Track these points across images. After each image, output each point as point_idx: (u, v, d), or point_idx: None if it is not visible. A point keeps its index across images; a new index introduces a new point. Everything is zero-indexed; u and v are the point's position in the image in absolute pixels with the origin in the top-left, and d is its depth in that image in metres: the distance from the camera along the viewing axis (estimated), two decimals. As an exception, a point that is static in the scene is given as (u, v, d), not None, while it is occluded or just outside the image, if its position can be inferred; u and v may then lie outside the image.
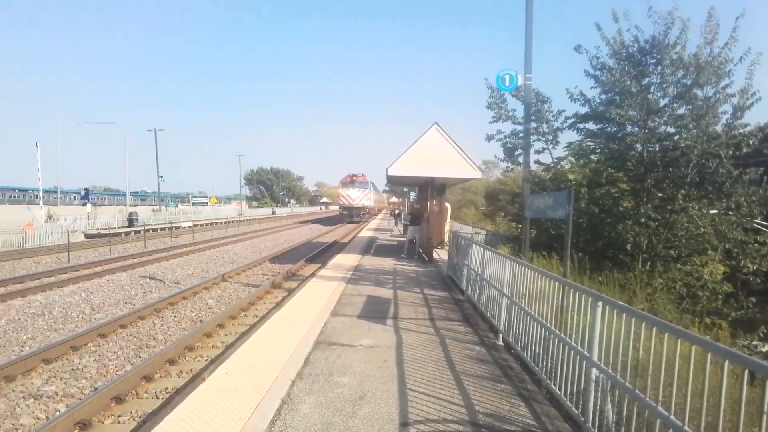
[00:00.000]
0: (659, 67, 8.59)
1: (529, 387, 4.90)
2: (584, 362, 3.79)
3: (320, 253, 20.65)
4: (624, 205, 9.44)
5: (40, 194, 32.31)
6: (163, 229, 36.08)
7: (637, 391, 3.04)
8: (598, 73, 9.14)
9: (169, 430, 3.82)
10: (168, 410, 4.28)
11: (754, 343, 7.78)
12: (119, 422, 5.18)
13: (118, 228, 32.96)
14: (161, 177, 50.66)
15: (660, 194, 8.83)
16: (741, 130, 7.94)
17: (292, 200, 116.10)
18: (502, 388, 4.81)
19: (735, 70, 7.93)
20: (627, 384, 3.15)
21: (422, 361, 5.58)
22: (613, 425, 3.39)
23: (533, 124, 10.23)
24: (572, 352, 4.06)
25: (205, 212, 55.10)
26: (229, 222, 48.21)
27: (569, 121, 10.15)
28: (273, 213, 74.57)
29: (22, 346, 7.97)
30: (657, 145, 8.93)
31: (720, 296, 8.51)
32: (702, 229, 8.62)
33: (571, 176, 10.77)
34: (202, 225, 41.88)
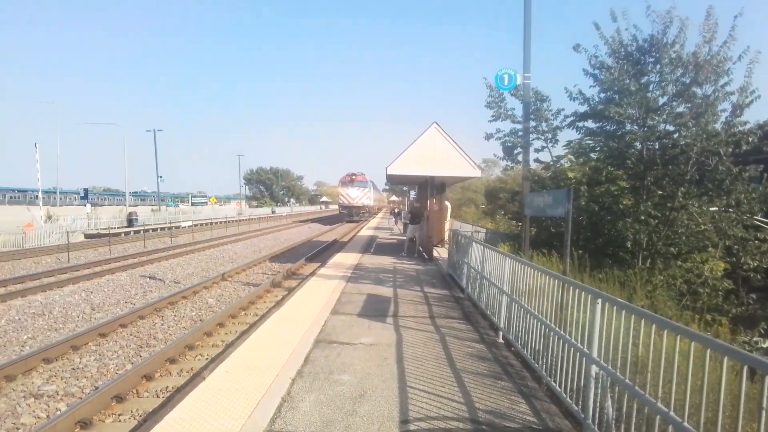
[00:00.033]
0: (658, 66, 8.59)
1: (529, 384, 4.91)
2: (584, 359, 3.79)
3: (320, 252, 20.65)
4: (624, 202, 9.45)
5: (40, 195, 32.31)
6: (162, 228, 36.07)
7: (636, 387, 3.04)
8: (596, 71, 9.14)
9: (170, 428, 3.82)
10: (168, 409, 4.29)
11: (755, 339, 7.77)
12: (120, 421, 5.18)
13: (118, 228, 32.94)
14: (161, 177, 50.62)
15: (660, 192, 8.84)
16: (740, 128, 7.95)
17: (291, 200, 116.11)
18: (503, 386, 4.81)
19: (734, 68, 7.94)
20: (627, 380, 3.15)
21: (422, 358, 5.59)
22: (613, 422, 3.39)
23: (532, 123, 10.23)
24: (572, 349, 4.06)
25: (205, 212, 55.10)
26: (229, 221, 48.20)
27: (568, 120, 10.17)
28: (273, 212, 74.58)
29: (22, 346, 7.97)
30: (656, 143, 8.94)
31: (720, 293, 8.52)
32: (702, 227, 8.63)
33: (570, 174, 10.77)
34: (201, 225, 41.86)
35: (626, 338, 3.22)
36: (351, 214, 47.35)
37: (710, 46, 8.03)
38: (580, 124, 9.90)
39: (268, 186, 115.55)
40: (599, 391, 3.56)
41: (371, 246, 19.92)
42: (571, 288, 4.22)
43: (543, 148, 11.02)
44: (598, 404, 3.56)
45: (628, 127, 9.00)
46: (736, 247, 8.57)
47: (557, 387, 4.35)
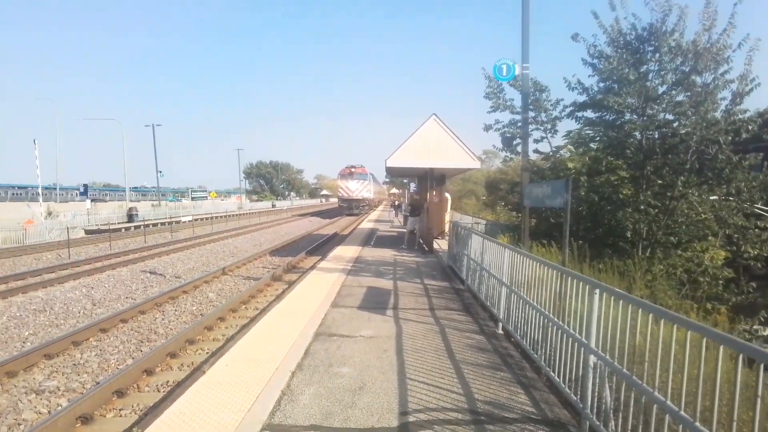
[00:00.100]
0: (657, 55, 8.52)
1: (528, 374, 4.92)
2: (582, 349, 3.79)
3: (320, 246, 20.67)
4: (624, 192, 9.42)
5: (40, 191, 32.27)
6: (163, 224, 36.06)
7: (634, 377, 3.04)
8: (595, 61, 9.07)
9: (170, 422, 3.84)
10: (168, 403, 4.31)
11: (755, 327, 7.78)
12: (121, 416, 5.20)
13: (118, 223, 32.96)
14: (160, 172, 50.56)
15: (659, 181, 8.81)
16: (740, 116, 7.89)
17: (292, 193, 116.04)
18: (502, 376, 4.82)
19: (734, 56, 7.87)
20: (624, 370, 3.15)
21: (422, 350, 5.60)
22: (611, 411, 3.39)
23: (531, 114, 10.18)
24: (571, 339, 4.06)
25: (205, 206, 55.05)
26: (229, 216, 48.19)
27: (567, 110, 10.10)
28: (273, 206, 74.63)
29: (23, 342, 7.99)
30: (656, 133, 8.88)
31: (721, 282, 8.51)
32: (702, 216, 8.61)
33: (570, 165, 10.74)
34: (202, 219, 41.89)
35: (624, 328, 3.21)
36: (351, 207, 46.94)
37: (710, 33, 7.96)
38: (579, 114, 9.84)
39: (268, 180, 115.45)
40: (597, 380, 3.56)
41: (371, 239, 19.92)
42: (569, 278, 4.22)
43: (542, 138, 10.99)
44: (596, 394, 3.57)
45: (628, 116, 8.95)
46: (736, 235, 8.56)
47: (556, 377, 4.35)
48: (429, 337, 6.11)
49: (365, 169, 48.16)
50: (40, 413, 5.36)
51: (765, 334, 7.71)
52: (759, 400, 2.07)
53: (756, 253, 8.46)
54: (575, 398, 3.90)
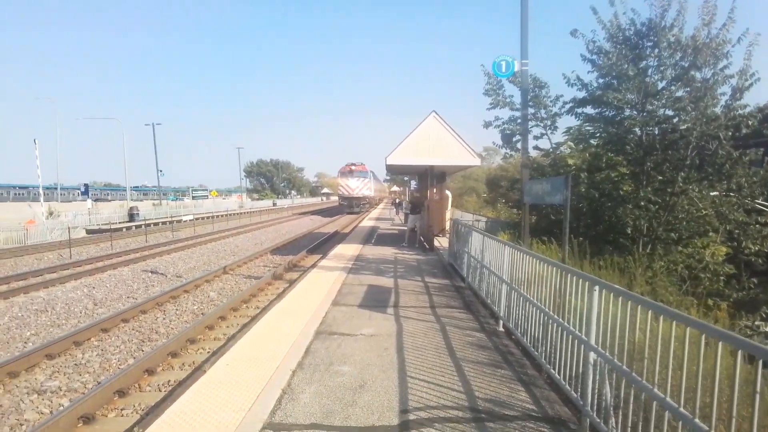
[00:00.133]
0: (656, 50, 8.49)
1: (529, 372, 4.92)
2: (582, 346, 3.79)
3: (321, 244, 20.68)
4: (624, 188, 9.40)
5: (41, 191, 32.32)
6: (164, 223, 36.09)
7: (633, 374, 3.04)
8: (594, 57, 9.03)
9: (171, 422, 3.84)
10: (169, 403, 4.32)
11: (757, 323, 7.77)
12: (122, 415, 5.22)
13: (119, 223, 32.98)
14: (161, 171, 50.68)
15: (660, 177, 8.78)
16: (740, 111, 7.85)
17: (292, 191, 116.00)
18: (502, 374, 4.83)
19: (733, 51, 7.83)
20: (624, 367, 3.15)
21: (422, 348, 5.60)
22: (612, 408, 3.39)
23: (531, 110, 10.15)
24: (570, 336, 4.06)
25: (206, 205, 55.10)
26: (230, 215, 48.22)
27: (567, 106, 10.07)
28: (274, 205, 74.62)
29: (25, 343, 8.01)
30: (656, 128, 8.85)
31: (722, 278, 8.49)
32: (703, 211, 8.59)
33: (570, 161, 10.70)
34: (203, 218, 41.89)
35: (623, 325, 3.21)
36: (351, 205, 46.58)
37: (709, 29, 7.92)
38: (579, 110, 9.81)
39: (269, 178, 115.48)
40: (597, 377, 3.56)
41: (372, 237, 19.93)
42: (569, 275, 4.21)
43: (542, 135, 10.95)
44: (596, 391, 3.57)
45: (627, 112, 8.92)
46: (737, 231, 8.53)
47: (556, 374, 4.35)
48: (430, 335, 6.12)
49: (365, 167, 47.73)
50: (41, 413, 5.37)
51: (767, 330, 7.69)
52: (758, 396, 2.07)
53: (757, 248, 8.43)
54: (575, 395, 3.90)
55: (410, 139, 14.52)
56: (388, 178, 66.73)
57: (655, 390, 2.80)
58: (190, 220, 38.13)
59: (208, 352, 7.19)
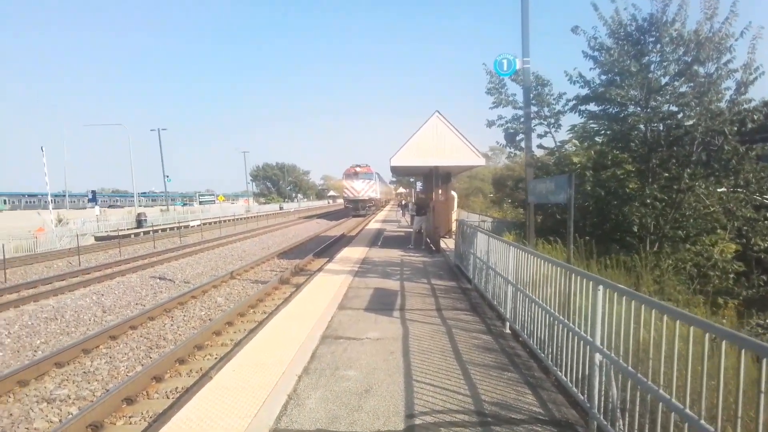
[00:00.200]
0: (659, 45, 8.44)
1: (536, 374, 4.88)
2: (588, 347, 3.76)
3: (327, 247, 20.71)
4: (630, 186, 9.34)
5: (49, 199, 32.63)
6: (171, 228, 36.31)
7: (639, 375, 3.01)
8: (596, 53, 9.00)
9: (177, 429, 3.86)
10: (176, 409, 4.33)
11: (768, 321, 7.68)
12: (130, 423, 5.25)
13: (127, 229, 33.23)
14: (167, 177, 50.95)
15: (666, 174, 8.72)
16: (745, 106, 7.78)
17: (299, 195, 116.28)
18: (509, 377, 4.79)
19: (736, 45, 7.77)
20: (629, 368, 3.12)
21: (429, 351, 5.58)
22: (619, 410, 3.36)
23: (534, 108, 10.12)
24: (576, 337, 4.03)
25: (213, 210, 55.38)
26: (237, 219, 48.44)
27: (570, 104, 10.03)
28: (281, 208, 74.82)
29: (35, 351, 8.08)
30: (660, 125, 8.80)
31: (731, 275, 8.40)
32: (710, 208, 8.51)
33: (575, 159, 10.66)
34: (210, 223, 42.07)
35: (628, 325, 3.18)
36: (357, 208, 45.91)
37: (711, 22, 7.86)
38: (582, 107, 9.77)
39: (275, 182, 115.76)
40: (603, 379, 3.53)
41: (378, 239, 19.92)
42: (573, 275, 4.18)
43: (546, 133, 10.92)
44: (602, 393, 3.54)
45: (631, 108, 8.87)
46: (745, 228, 8.45)
47: (563, 376, 4.32)
48: (436, 338, 6.09)
49: (371, 169, 46.97)
50: (51, 422, 5.41)
51: None
52: (762, 396, 2.04)
53: (766, 245, 8.34)
54: (582, 397, 3.87)
55: (414, 139, 14.51)
56: (394, 179, 66.61)
57: (661, 391, 2.77)
58: (197, 226, 38.30)
59: (216, 358, 7.22)
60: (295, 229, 34.57)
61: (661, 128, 8.79)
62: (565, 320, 4.29)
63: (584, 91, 9.48)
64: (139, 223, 36.00)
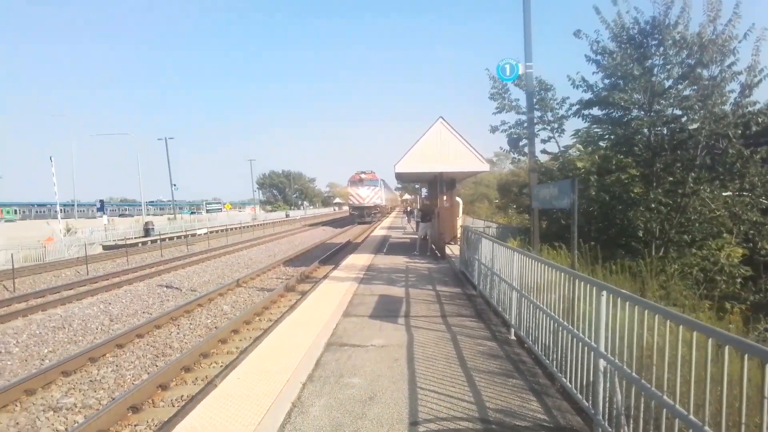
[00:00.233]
0: (662, 48, 8.41)
1: (541, 381, 4.85)
2: (592, 353, 3.74)
3: (333, 254, 20.73)
4: (635, 191, 9.29)
5: (58, 208, 32.94)
6: (179, 237, 36.49)
7: (643, 381, 2.99)
8: (599, 57, 8.98)
9: (181, 437, 3.86)
10: (180, 418, 4.34)
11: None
12: (136, 431, 5.26)
13: (135, 238, 33.45)
14: (174, 185, 51.38)
15: (670, 178, 8.67)
16: (750, 109, 7.74)
17: (305, 202, 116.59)
18: (514, 383, 4.77)
19: (740, 47, 7.73)
20: (633, 374, 3.10)
21: (433, 358, 5.56)
22: (623, 416, 3.33)
23: (538, 113, 10.12)
24: (581, 343, 4.01)
25: (220, 218, 55.62)
26: (244, 227, 48.60)
27: (574, 108, 10.02)
28: (287, 216, 75.08)
29: (42, 360, 8.13)
30: (664, 128, 8.75)
31: (738, 280, 8.31)
32: (716, 212, 8.45)
33: (579, 164, 10.63)
34: (217, 231, 42.27)
35: (631, 330, 3.16)
36: (362, 215, 45.57)
37: (714, 25, 7.82)
38: (586, 112, 9.75)
39: (281, 189, 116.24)
40: (608, 385, 3.50)
41: (384, 246, 19.92)
42: (577, 281, 4.16)
43: (550, 138, 10.90)
44: (607, 399, 3.51)
45: (635, 112, 8.84)
46: (751, 232, 8.37)
47: (567, 383, 4.29)
48: (440, 345, 6.07)
49: (376, 175, 46.71)
50: (57, 430, 5.44)
51: None
52: (766, 402, 2.02)
53: (773, 249, 8.27)
54: (587, 404, 3.84)
55: (418, 146, 14.54)
56: (400, 186, 66.58)
57: (665, 397, 2.75)
58: (204, 234, 38.48)
59: (221, 366, 7.23)
60: (301, 237, 34.64)
61: (665, 132, 8.75)
62: (570, 326, 4.27)
63: (587, 96, 9.47)
64: (147, 231, 36.22)
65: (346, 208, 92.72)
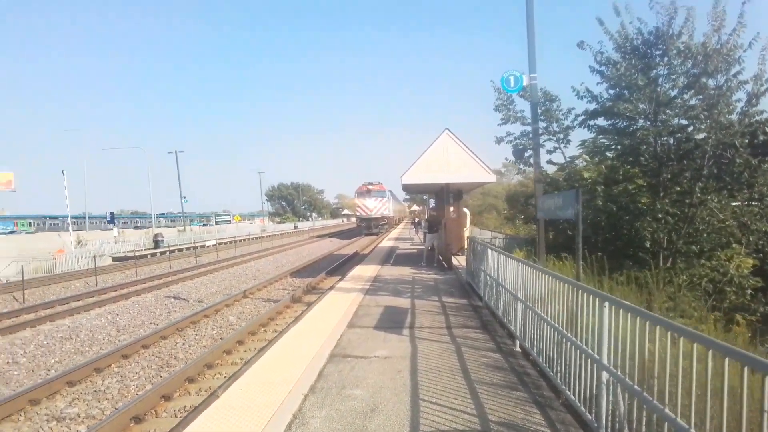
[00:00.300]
0: (666, 58, 8.39)
1: (545, 394, 4.79)
2: (595, 365, 3.69)
3: (340, 266, 20.73)
4: (642, 201, 9.22)
5: (69, 221, 33.35)
6: (188, 248, 36.70)
7: (644, 393, 2.94)
8: (603, 68, 8.98)
9: (181, 449, 3.85)
10: (181, 428, 4.33)
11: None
12: (138, 442, 5.25)
13: (144, 250, 33.70)
14: (184, 198, 51.86)
15: (677, 188, 8.60)
16: (757, 117, 7.68)
17: (313, 214, 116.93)
18: (518, 396, 4.71)
19: (746, 56, 7.69)
20: (635, 386, 3.05)
21: (437, 370, 5.51)
22: (626, 430, 3.28)
23: (543, 124, 10.11)
24: (584, 355, 3.96)
25: (229, 230, 55.92)
26: (252, 238, 48.79)
27: (579, 119, 10.00)
28: (295, 228, 75.27)
29: (48, 370, 8.18)
30: (670, 138, 8.70)
31: (748, 291, 8.18)
32: (725, 222, 8.34)
33: (586, 174, 10.58)
34: (225, 243, 42.44)
35: (633, 342, 3.12)
36: (369, 226, 45.12)
37: (719, 34, 7.80)
38: (591, 122, 9.73)
39: (290, 201, 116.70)
40: (611, 398, 3.45)
41: (391, 257, 19.88)
42: (580, 292, 4.13)
43: (555, 149, 10.88)
44: (610, 412, 3.46)
45: (640, 122, 8.80)
46: (761, 242, 8.25)
47: (571, 395, 4.23)
48: (444, 357, 6.02)
49: (383, 186, 46.35)
50: (60, 441, 5.45)
51: None
52: (765, 415, 1.98)
53: (784, 260, 8.14)
54: (590, 417, 3.78)
55: (424, 157, 14.57)
56: (408, 197, 66.56)
57: (666, 410, 2.70)
58: (213, 245, 38.69)
59: (225, 377, 7.22)
60: (308, 248, 34.70)
61: (672, 142, 8.70)
62: (573, 337, 4.22)
63: (592, 106, 9.45)
64: (156, 243, 36.51)
65: (354, 219, 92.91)
